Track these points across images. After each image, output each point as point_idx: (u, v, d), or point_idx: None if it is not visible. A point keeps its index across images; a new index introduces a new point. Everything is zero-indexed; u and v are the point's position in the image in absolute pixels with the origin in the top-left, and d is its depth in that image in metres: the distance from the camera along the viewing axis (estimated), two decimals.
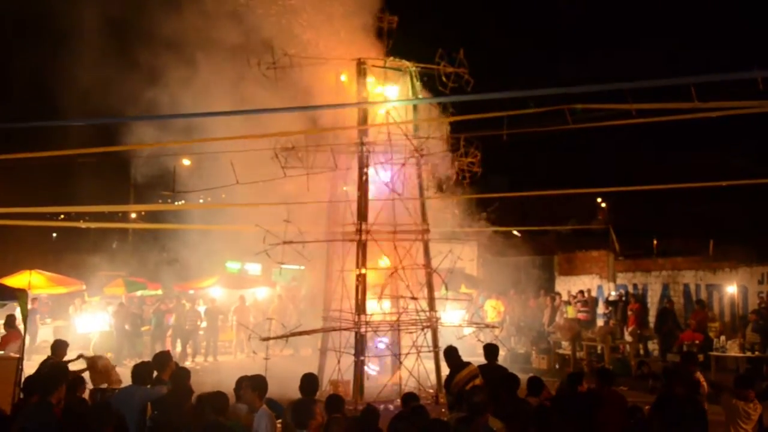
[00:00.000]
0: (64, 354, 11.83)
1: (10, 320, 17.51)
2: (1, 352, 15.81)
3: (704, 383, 9.84)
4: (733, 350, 17.42)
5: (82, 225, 18.52)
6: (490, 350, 10.94)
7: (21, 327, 16.34)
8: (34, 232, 26.57)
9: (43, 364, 11.27)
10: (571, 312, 21.68)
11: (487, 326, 19.23)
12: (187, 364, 20.70)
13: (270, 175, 14.55)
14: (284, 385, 9.84)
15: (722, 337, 17.99)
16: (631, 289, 22.67)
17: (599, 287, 23.77)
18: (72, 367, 11.03)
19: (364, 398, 14.59)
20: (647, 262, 23.65)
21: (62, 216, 20.86)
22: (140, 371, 8.74)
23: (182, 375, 8.83)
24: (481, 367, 10.51)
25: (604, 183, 23.26)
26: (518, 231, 24.77)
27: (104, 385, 12.50)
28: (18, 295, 16.15)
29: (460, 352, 10.78)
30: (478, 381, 9.84)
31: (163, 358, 9.44)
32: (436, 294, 16.39)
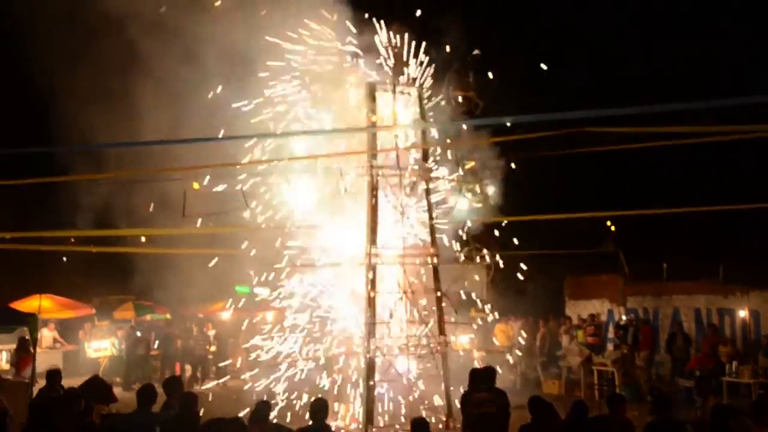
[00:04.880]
0: (58, 384, 11.61)
1: (23, 344, 17.55)
2: (9, 377, 15.86)
3: None
4: (745, 376, 17.24)
5: (93, 249, 18.55)
6: (487, 375, 10.93)
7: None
8: (44, 257, 26.63)
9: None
10: (581, 336, 21.57)
11: (497, 351, 19.13)
12: (196, 388, 20.68)
13: None
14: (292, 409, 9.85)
15: (734, 363, 17.79)
16: (641, 314, 22.55)
17: (609, 311, 23.64)
18: None
19: (374, 423, 14.55)
20: (658, 286, 23.51)
21: (72, 240, 20.90)
22: (145, 394, 8.74)
23: (190, 400, 8.83)
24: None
25: (614, 207, 23.16)
26: (528, 254, 24.67)
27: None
28: (28, 320, 16.19)
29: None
30: (492, 408, 9.83)
31: (173, 383, 9.44)
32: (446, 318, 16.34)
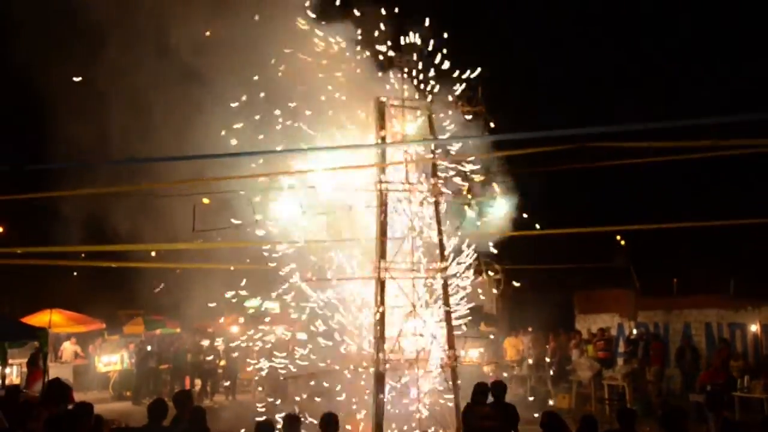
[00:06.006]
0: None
1: (33, 358, 17.61)
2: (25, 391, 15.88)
3: None
4: (757, 391, 17.12)
5: (102, 264, 18.60)
6: (498, 387, 10.95)
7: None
8: (55, 271, 26.80)
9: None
10: (591, 350, 21.51)
11: (507, 364, 19.06)
12: (206, 402, 20.70)
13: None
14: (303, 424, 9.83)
15: (746, 378, 17.67)
16: (652, 328, 22.46)
17: (620, 326, 23.56)
18: None
19: None
20: (668, 300, 23.44)
21: (83, 255, 21.01)
22: (156, 409, 8.77)
23: (200, 414, 8.85)
24: (490, 404, 10.59)
25: (625, 221, 23.14)
26: (538, 268, 24.66)
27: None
28: (38, 334, 16.24)
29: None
30: (492, 422, 9.86)
31: (183, 397, 9.46)
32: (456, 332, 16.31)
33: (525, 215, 17.01)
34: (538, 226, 17.07)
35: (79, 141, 17.49)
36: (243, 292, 16.61)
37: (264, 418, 9.12)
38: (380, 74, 15.67)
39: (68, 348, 25.34)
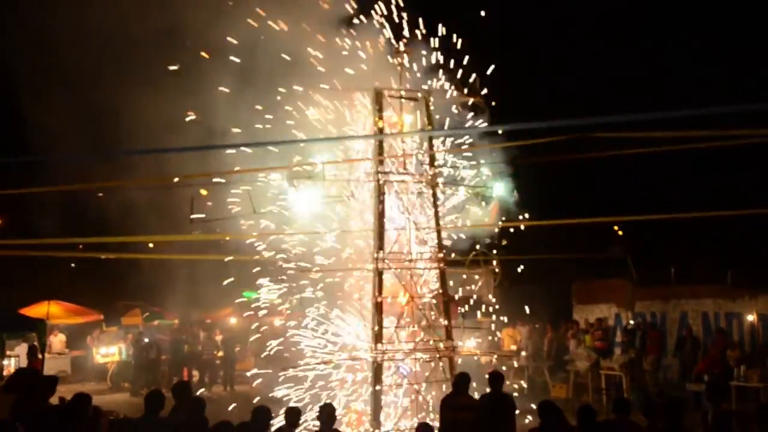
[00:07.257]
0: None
1: (32, 350, 17.63)
2: None
3: None
4: (753, 380, 17.16)
5: (102, 256, 18.61)
6: (495, 378, 10.96)
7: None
8: (53, 262, 26.81)
9: None
10: (588, 341, 21.53)
11: (504, 355, 19.05)
12: (204, 393, 20.71)
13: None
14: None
15: (742, 367, 17.70)
16: (649, 318, 22.48)
17: (617, 316, 23.58)
18: None
19: (380, 428, 14.54)
20: (665, 290, 23.44)
21: (81, 246, 21.02)
22: (153, 400, 8.76)
23: (198, 405, 8.86)
24: (487, 395, 10.62)
25: (621, 211, 23.15)
26: (535, 259, 24.61)
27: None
28: (37, 325, 16.23)
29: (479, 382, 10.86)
30: (462, 415, 9.91)
31: (182, 388, 9.47)
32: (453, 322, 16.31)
33: (522, 206, 16.99)
34: (525, 216, 17.10)
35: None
36: (245, 290, 16.63)
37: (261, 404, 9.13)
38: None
39: (55, 341, 25.32)
